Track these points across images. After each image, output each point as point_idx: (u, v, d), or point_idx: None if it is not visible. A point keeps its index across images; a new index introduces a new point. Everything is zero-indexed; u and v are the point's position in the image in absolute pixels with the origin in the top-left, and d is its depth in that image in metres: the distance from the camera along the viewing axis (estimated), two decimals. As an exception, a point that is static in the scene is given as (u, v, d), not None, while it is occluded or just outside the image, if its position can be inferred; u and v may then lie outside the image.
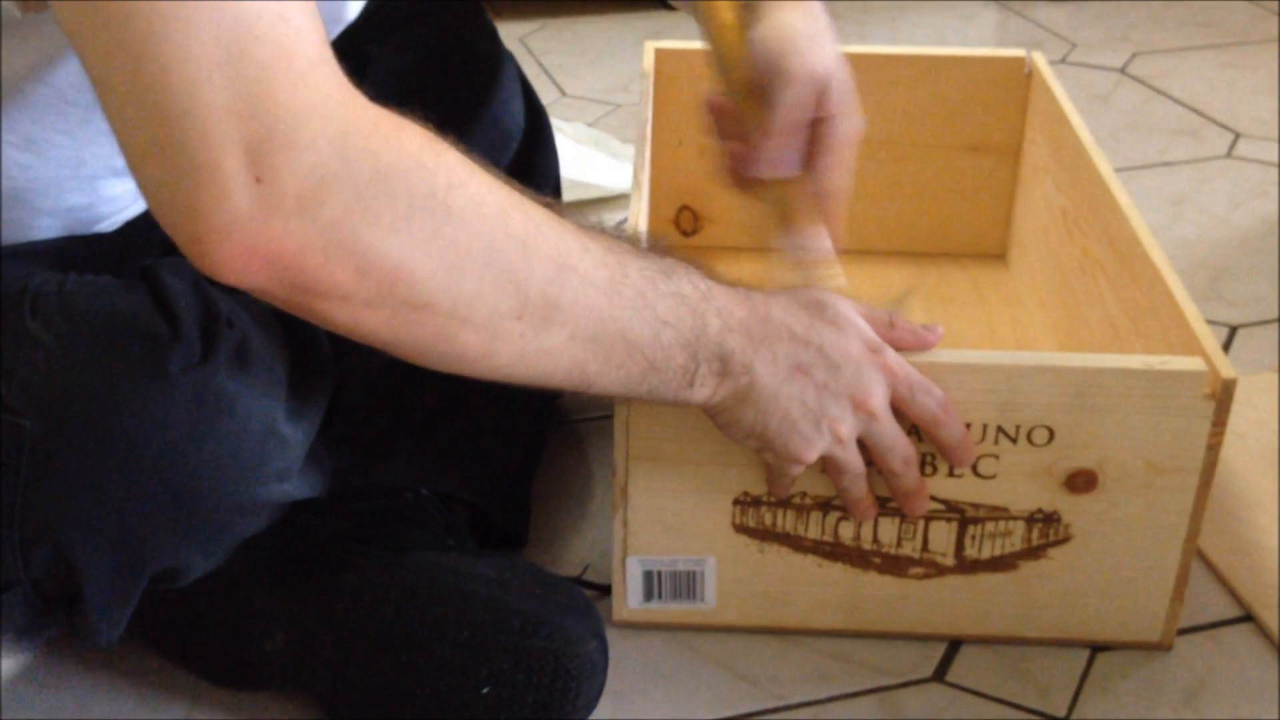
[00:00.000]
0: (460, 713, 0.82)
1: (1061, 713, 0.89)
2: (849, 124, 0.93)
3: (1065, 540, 0.88)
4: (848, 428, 0.80)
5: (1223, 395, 0.83)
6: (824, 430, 0.80)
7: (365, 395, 0.94)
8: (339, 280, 0.64)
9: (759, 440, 0.81)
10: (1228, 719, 0.88)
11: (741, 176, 0.95)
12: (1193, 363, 0.83)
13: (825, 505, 0.88)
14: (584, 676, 0.83)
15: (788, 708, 0.89)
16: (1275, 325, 1.30)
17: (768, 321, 0.79)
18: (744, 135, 0.94)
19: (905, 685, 0.90)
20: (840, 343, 0.80)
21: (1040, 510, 0.87)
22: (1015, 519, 0.88)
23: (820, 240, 0.92)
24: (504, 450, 1.00)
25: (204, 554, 0.80)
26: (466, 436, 0.97)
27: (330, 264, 0.63)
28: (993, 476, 0.86)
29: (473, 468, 0.96)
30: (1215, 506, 1.04)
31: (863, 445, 0.82)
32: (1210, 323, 1.29)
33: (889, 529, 0.88)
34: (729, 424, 0.81)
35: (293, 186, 0.61)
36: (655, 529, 0.89)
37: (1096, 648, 0.93)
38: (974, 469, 0.86)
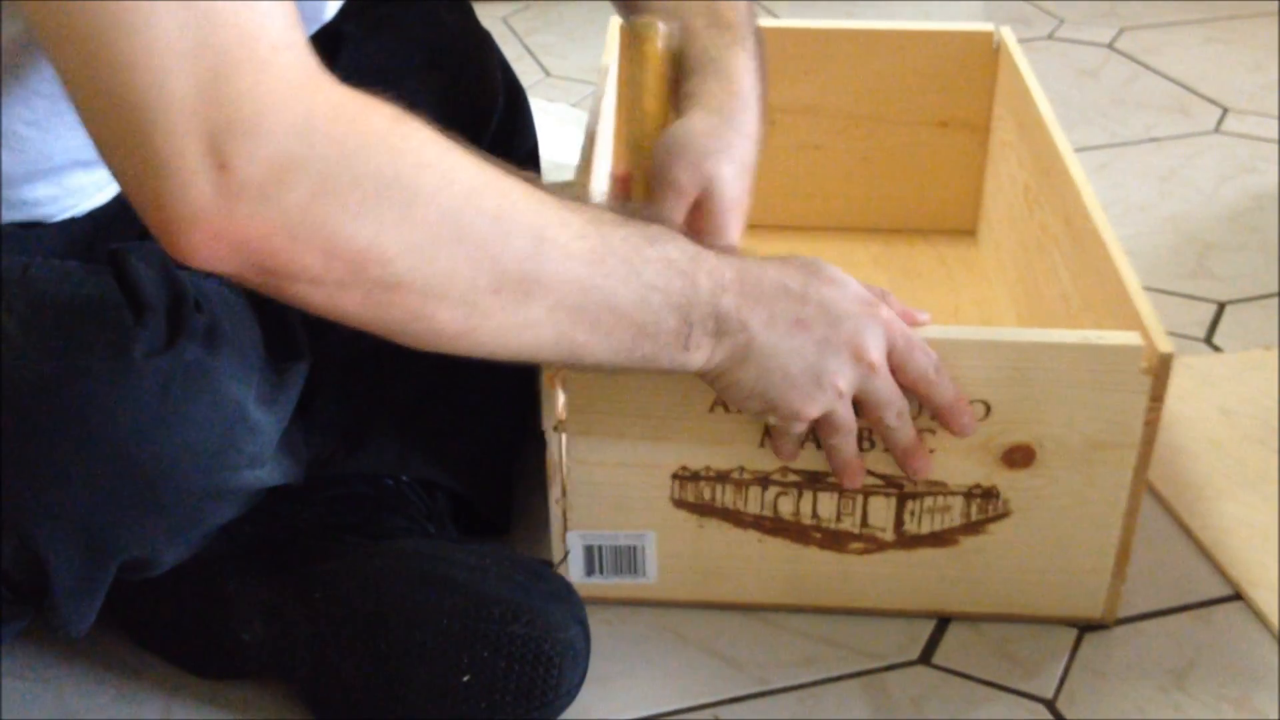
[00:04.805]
0: (441, 701, 0.81)
1: (1049, 694, 0.88)
2: (721, 245, 0.90)
3: (1004, 515, 0.88)
4: (847, 381, 0.80)
5: (1160, 370, 0.82)
6: (825, 385, 0.79)
7: (344, 381, 0.94)
8: (308, 264, 0.64)
9: (762, 401, 0.80)
10: (1216, 699, 0.88)
11: None
12: (1129, 337, 0.83)
13: (764, 480, 0.87)
14: (566, 663, 0.82)
15: (773, 692, 0.88)
16: (1262, 301, 1.29)
17: (761, 280, 0.78)
18: None
19: (891, 668, 0.90)
20: (838, 297, 0.79)
21: (978, 485, 0.87)
22: (954, 494, 0.87)
23: None
24: (485, 436, 0.99)
25: (174, 542, 0.79)
26: (447, 422, 0.96)
27: (298, 248, 0.63)
28: (931, 451, 0.85)
29: (453, 454, 0.96)
30: (1202, 484, 1.04)
31: (855, 403, 0.82)
32: (1198, 299, 1.29)
33: (828, 504, 0.88)
34: (729, 387, 0.80)
35: (255, 173, 0.61)
36: (594, 504, 0.89)
37: (1084, 628, 0.92)
38: None
